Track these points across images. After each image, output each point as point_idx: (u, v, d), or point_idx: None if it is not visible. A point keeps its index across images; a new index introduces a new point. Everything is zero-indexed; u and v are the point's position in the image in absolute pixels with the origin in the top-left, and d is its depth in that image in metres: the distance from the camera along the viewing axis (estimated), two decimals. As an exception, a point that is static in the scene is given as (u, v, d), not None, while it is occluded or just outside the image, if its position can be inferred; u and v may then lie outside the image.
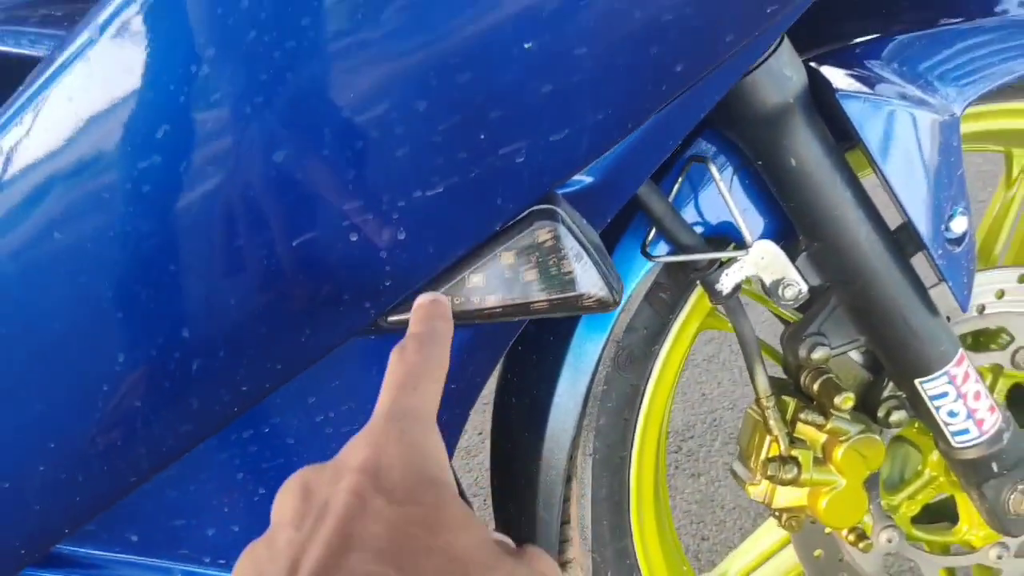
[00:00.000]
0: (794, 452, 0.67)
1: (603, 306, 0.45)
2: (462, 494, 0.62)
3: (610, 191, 0.47)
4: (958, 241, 0.63)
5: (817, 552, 0.76)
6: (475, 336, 0.48)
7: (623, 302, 0.57)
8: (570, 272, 0.43)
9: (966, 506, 0.78)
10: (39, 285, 0.37)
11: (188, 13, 0.34)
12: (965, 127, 0.68)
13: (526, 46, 0.37)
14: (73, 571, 0.49)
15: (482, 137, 0.38)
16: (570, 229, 0.43)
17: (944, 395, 0.65)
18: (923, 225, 0.60)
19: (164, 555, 0.47)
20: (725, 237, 0.63)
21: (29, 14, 0.38)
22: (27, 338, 0.37)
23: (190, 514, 0.48)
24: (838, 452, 0.66)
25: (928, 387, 0.65)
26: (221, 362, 0.40)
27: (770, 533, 0.83)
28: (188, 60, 0.34)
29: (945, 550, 0.81)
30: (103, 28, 0.34)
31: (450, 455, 0.59)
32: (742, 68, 0.49)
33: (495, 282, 0.43)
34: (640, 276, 0.63)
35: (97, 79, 0.34)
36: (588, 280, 0.44)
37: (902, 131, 0.59)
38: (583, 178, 0.46)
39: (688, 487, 1.23)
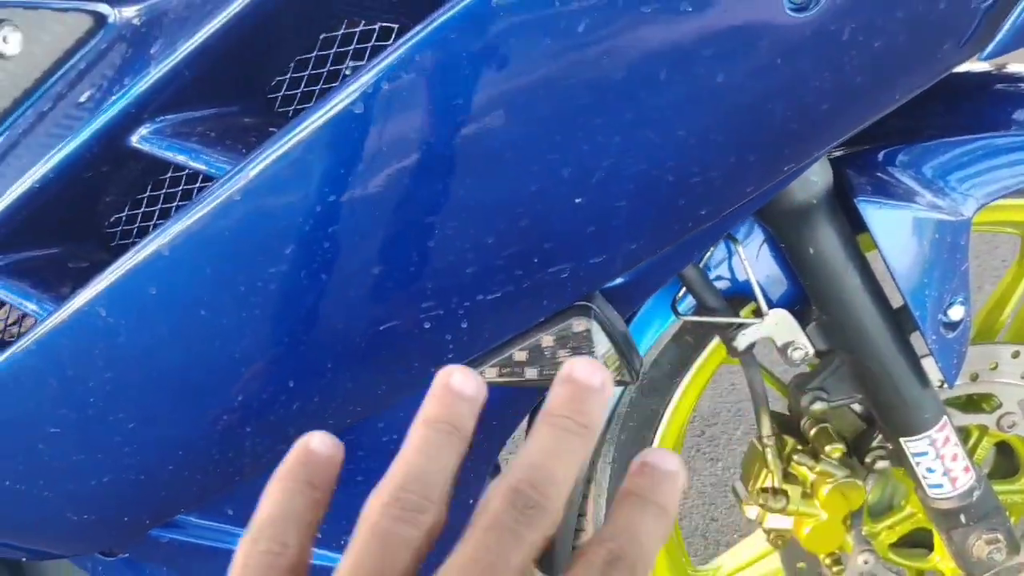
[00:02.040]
0: (785, 486, 0.77)
1: (622, 383, 0.55)
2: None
3: (641, 288, 0.57)
4: (953, 327, 0.71)
5: (800, 564, 0.86)
6: (510, 394, 0.58)
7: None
8: (597, 356, 0.54)
9: (940, 540, 0.87)
10: (196, 343, 0.49)
11: (329, 162, 0.44)
12: (984, 215, 0.75)
13: (576, 201, 0.46)
14: (181, 532, 0.62)
15: (535, 261, 0.48)
16: (601, 323, 0.54)
17: (924, 454, 0.74)
18: (921, 312, 0.68)
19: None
20: (746, 299, 0.72)
21: (189, 131, 0.48)
22: (182, 381, 0.49)
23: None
24: (823, 491, 0.76)
25: (911, 446, 0.74)
26: (316, 405, 0.52)
27: (761, 539, 0.93)
28: (321, 196, 0.45)
29: (919, 574, 0.92)
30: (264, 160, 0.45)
31: (491, 471, 0.71)
32: (769, 194, 0.57)
33: (536, 358, 0.54)
34: (667, 327, 0.73)
35: (251, 203, 0.45)
36: (612, 364, 0.54)
37: (913, 233, 0.66)
38: (619, 279, 0.56)
39: (706, 470, 1.34)
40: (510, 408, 0.61)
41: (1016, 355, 0.80)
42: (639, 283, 0.57)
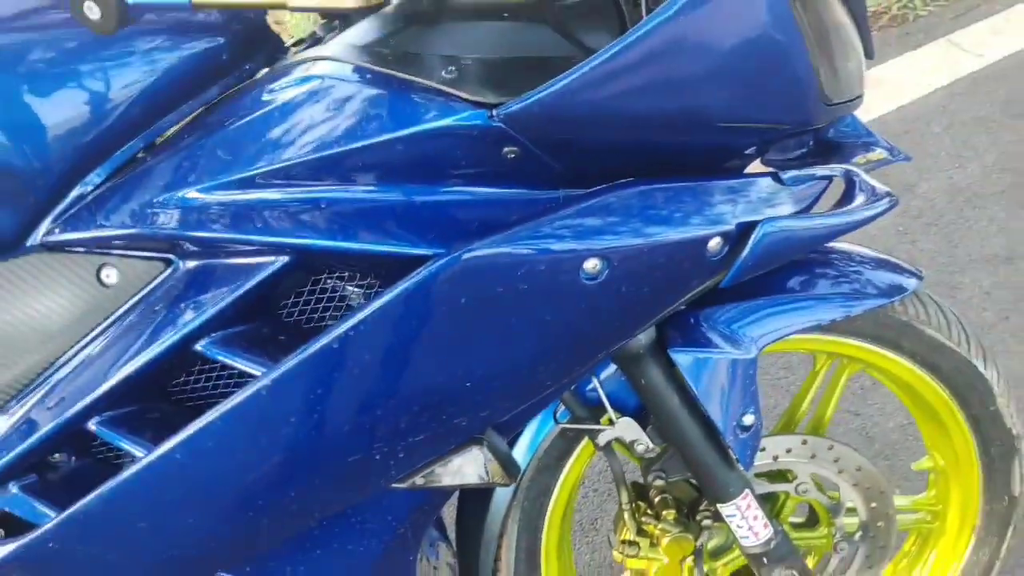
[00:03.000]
0: (638, 538, 1.08)
1: (503, 485, 0.86)
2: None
3: (521, 419, 0.88)
4: (746, 429, 1.01)
5: (659, 593, 1.17)
6: (429, 495, 0.89)
7: (529, 455, 0.99)
8: (487, 470, 0.85)
9: (761, 574, 1.19)
10: (233, 474, 0.79)
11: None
12: (780, 345, 1.06)
13: (467, 385, 0.77)
14: None
15: (444, 418, 0.79)
16: (490, 447, 0.84)
17: (733, 515, 1.06)
18: (721, 421, 0.99)
19: None
20: (605, 410, 1.03)
21: (232, 343, 0.78)
22: (225, 503, 0.80)
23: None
24: (663, 541, 1.07)
25: (724, 509, 1.05)
26: (304, 507, 0.82)
27: None
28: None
29: (754, 599, 1.23)
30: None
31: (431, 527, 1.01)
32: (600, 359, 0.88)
33: (449, 474, 0.85)
34: (550, 430, 1.04)
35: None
36: (496, 473, 0.85)
37: (712, 369, 0.97)
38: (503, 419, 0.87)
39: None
40: (430, 501, 0.92)
41: (804, 442, 1.12)
42: (518, 419, 0.88)
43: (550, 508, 1.12)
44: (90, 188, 0.82)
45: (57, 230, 0.80)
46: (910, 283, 1.05)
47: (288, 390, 0.76)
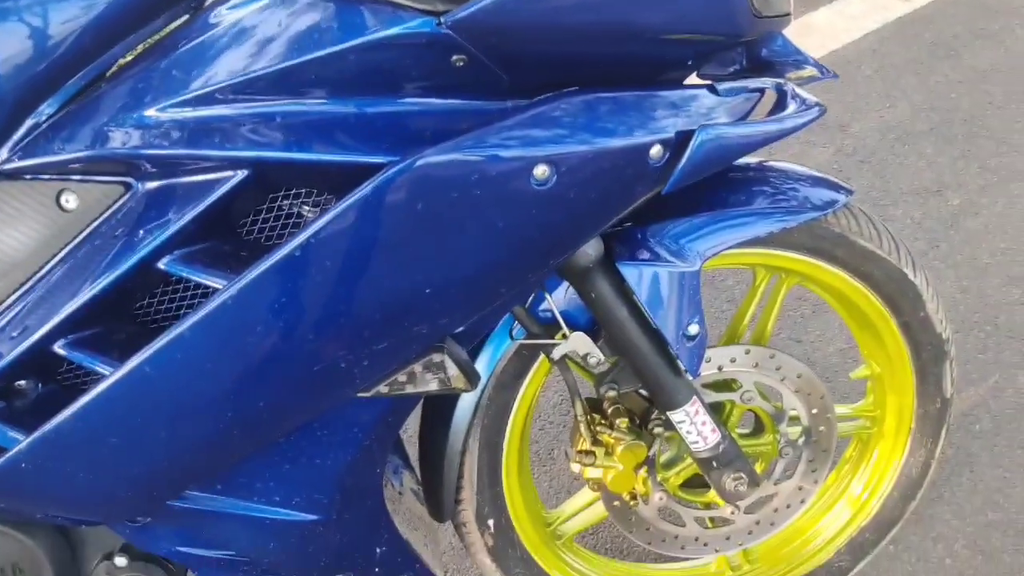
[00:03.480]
0: (593, 448, 1.13)
1: (467, 391, 0.90)
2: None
3: (479, 329, 0.92)
4: (692, 339, 1.07)
5: (615, 503, 1.23)
6: (395, 403, 0.93)
7: (488, 372, 1.03)
8: (448, 376, 0.88)
9: (711, 481, 1.25)
10: (214, 376, 0.81)
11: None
12: (721, 259, 1.11)
13: (427, 292, 0.81)
14: (189, 502, 0.94)
15: (405, 325, 0.83)
16: (450, 354, 0.88)
17: (683, 421, 1.11)
18: (667, 331, 1.04)
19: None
20: (558, 327, 1.07)
21: (195, 259, 0.80)
22: (207, 401, 0.82)
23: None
24: (618, 450, 1.13)
25: (673, 416, 1.11)
26: (279, 415, 0.85)
27: (589, 492, 1.30)
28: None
29: (705, 506, 1.29)
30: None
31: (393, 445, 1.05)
32: (551, 267, 0.92)
33: (411, 380, 0.88)
34: (507, 346, 1.08)
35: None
36: (458, 381, 0.89)
37: (658, 282, 1.02)
38: (460, 328, 0.90)
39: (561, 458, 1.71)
40: (394, 413, 0.95)
41: (748, 352, 1.18)
42: (476, 328, 0.92)
43: (509, 425, 1.17)
44: (44, 117, 0.83)
45: (15, 158, 0.81)
46: (842, 197, 1.12)
47: (252, 300, 0.79)
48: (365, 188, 0.75)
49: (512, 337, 1.06)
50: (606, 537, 1.57)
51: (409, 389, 0.89)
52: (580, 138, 0.80)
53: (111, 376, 0.81)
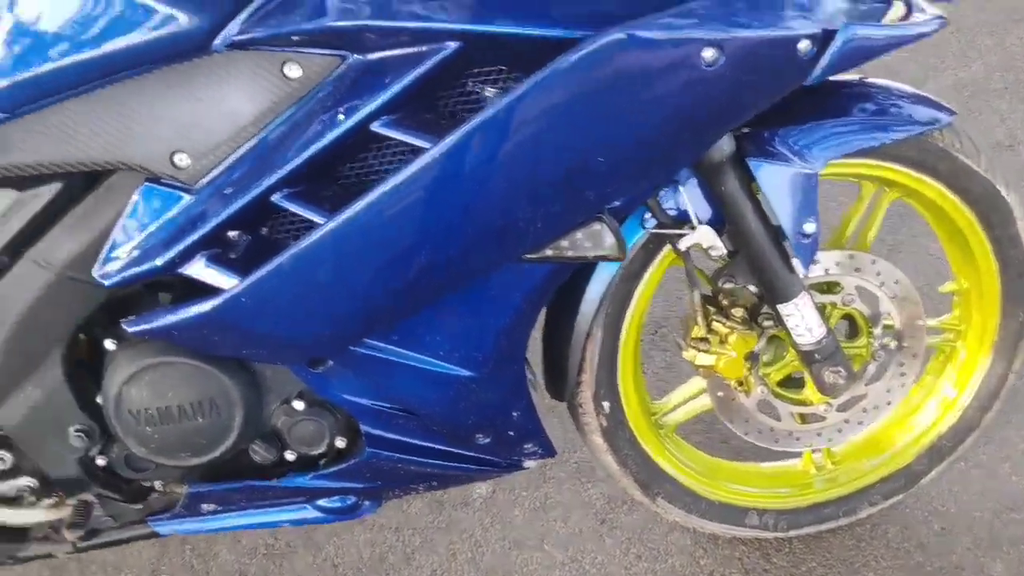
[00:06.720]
0: (708, 335, 1.25)
1: (618, 259, 1.02)
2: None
3: (626, 209, 1.04)
4: (807, 236, 1.17)
5: (720, 393, 1.35)
6: (556, 268, 1.05)
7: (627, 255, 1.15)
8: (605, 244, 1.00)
9: (808, 377, 1.36)
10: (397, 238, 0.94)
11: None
12: (834, 166, 1.22)
13: (602, 172, 0.93)
14: (368, 349, 1.07)
15: (575, 195, 0.95)
16: (607, 224, 1.00)
17: (792, 315, 1.22)
18: (787, 227, 1.15)
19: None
20: (687, 219, 1.19)
21: (404, 121, 0.93)
22: (388, 258, 0.95)
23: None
24: (731, 338, 1.24)
25: (783, 309, 1.22)
26: (455, 272, 0.98)
27: (694, 386, 1.42)
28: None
29: (799, 403, 1.40)
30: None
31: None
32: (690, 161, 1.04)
33: (573, 244, 1.00)
34: (638, 236, 1.19)
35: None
36: (613, 248, 1.01)
37: (783, 179, 1.13)
38: (616, 203, 1.02)
39: (657, 358, 1.83)
40: (546, 283, 1.07)
41: (852, 257, 1.28)
42: (625, 207, 1.04)
43: (628, 316, 1.29)
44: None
45: (246, 31, 0.94)
46: (944, 116, 1.22)
47: (452, 161, 0.91)
48: (560, 61, 0.87)
49: (644, 227, 1.18)
50: (699, 440, 1.69)
51: (569, 254, 1.01)
52: (743, 25, 0.91)
53: (324, 225, 0.94)
